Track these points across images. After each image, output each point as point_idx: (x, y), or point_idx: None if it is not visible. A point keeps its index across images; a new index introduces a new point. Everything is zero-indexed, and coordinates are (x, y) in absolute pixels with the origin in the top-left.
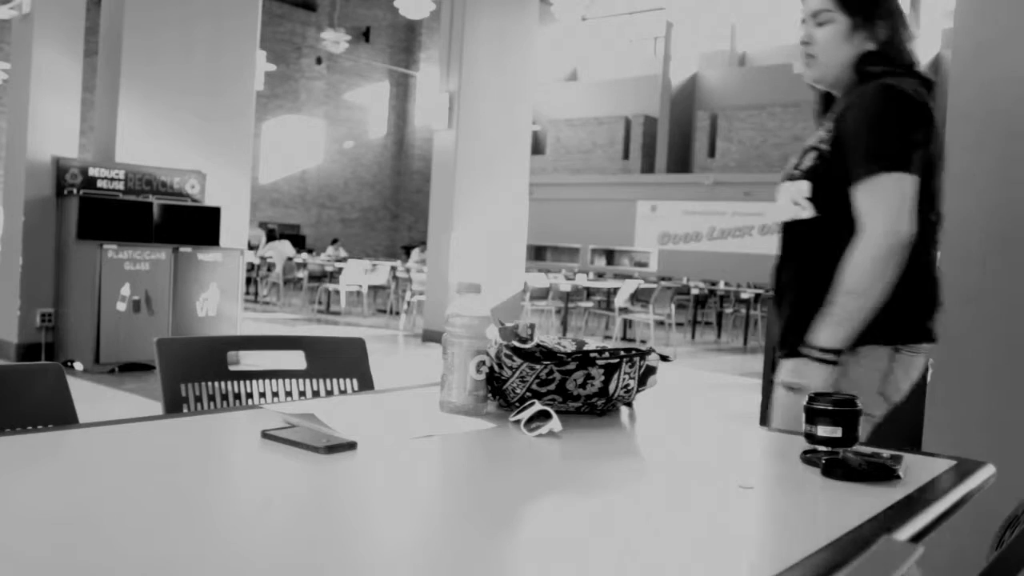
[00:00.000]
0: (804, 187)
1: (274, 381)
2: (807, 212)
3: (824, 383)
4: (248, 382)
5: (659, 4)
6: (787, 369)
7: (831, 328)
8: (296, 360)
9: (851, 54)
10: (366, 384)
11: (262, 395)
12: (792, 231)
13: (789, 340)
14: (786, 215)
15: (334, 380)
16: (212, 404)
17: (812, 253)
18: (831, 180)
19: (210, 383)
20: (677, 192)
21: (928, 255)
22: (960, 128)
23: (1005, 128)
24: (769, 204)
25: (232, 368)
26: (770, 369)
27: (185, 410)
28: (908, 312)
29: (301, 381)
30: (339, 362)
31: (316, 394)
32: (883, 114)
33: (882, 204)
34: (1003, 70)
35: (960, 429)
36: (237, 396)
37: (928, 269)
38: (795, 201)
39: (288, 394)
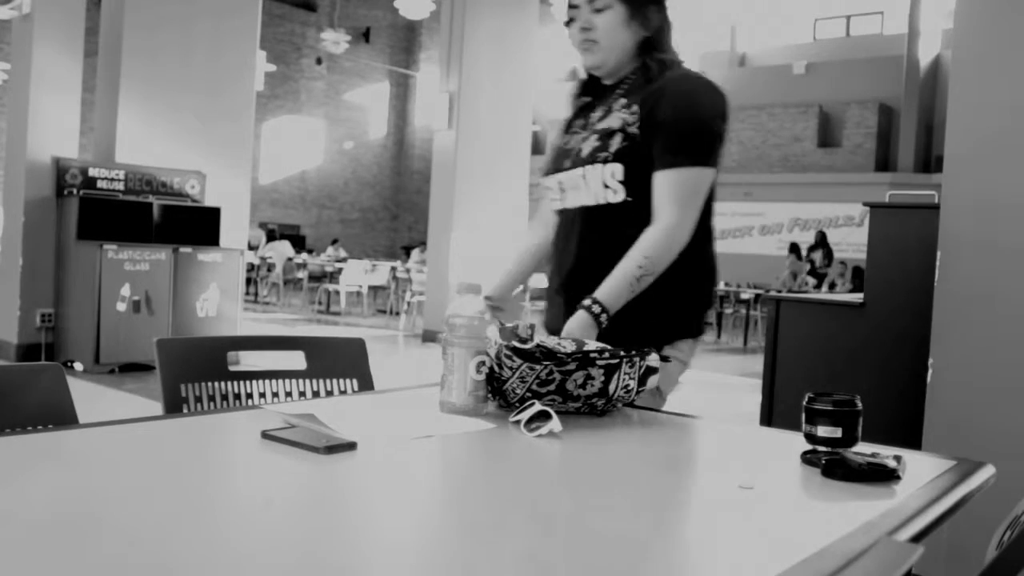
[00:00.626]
0: (618, 170)
1: (274, 381)
2: (619, 195)
3: (585, 335)
4: (248, 382)
5: None
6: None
7: (609, 288)
8: (296, 360)
9: (630, 40)
10: (366, 384)
11: (262, 395)
12: (597, 214)
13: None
14: (592, 199)
15: (334, 380)
16: (212, 404)
17: (620, 236)
18: (640, 163)
19: (210, 383)
20: None
21: (711, 247)
22: (960, 128)
23: (1005, 128)
24: (769, 204)
25: (232, 368)
26: (770, 370)
27: (185, 410)
28: (693, 306)
29: (301, 381)
30: (339, 362)
31: (316, 394)
32: (698, 105)
33: (684, 196)
34: (1003, 70)
35: (960, 429)
36: (237, 396)
37: (710, 263)
38: (607, 184)
39: (288, 394)
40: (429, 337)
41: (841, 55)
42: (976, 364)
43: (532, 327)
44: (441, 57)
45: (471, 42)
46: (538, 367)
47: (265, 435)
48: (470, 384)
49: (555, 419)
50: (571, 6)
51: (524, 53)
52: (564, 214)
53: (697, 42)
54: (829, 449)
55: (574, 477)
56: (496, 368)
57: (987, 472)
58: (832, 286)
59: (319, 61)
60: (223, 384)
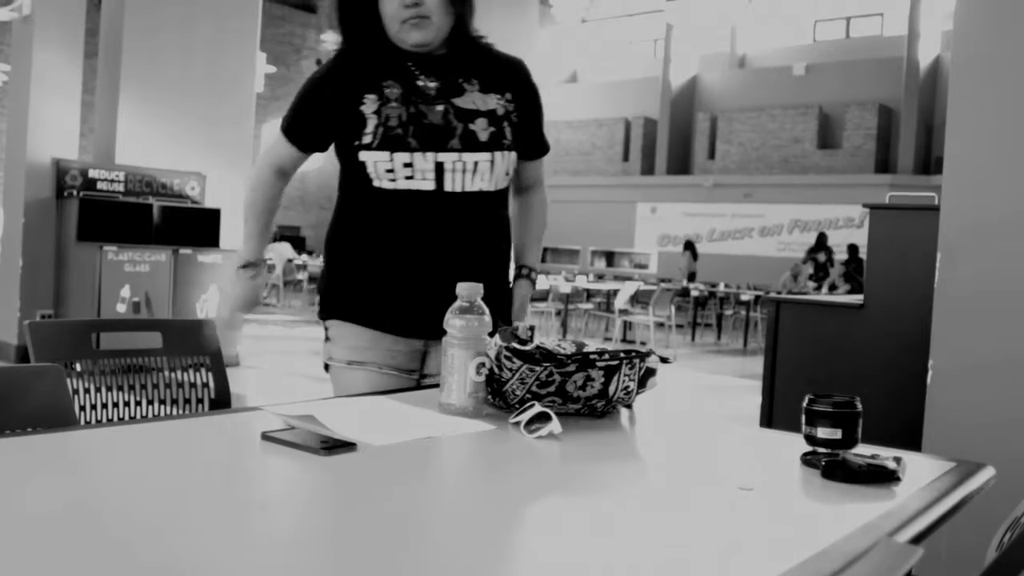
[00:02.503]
0: (514, 157)
1: (134, 359)
2: (504, 182)
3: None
4: (113, 360)
5: (659, 6)
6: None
7: (535, 255)
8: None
9: (452, 18)
10: (217, 361)
11: (127, 370)
12: (491, 199)
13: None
14: (493, 185)
15: (188, 358)
16: (82, 379)
17: (503, 218)
18: (516, 148)
19: (80, 361)
20: (677, 194)
21: None
22: (960, 130)
23: (1005, 130)
24: (769, 206)
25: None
26: (770, 372)
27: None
28: None
29: (159, 359)
30: (190, 342)
31: (172, 371)
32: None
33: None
34: (1003, 71)
35: (960, 431)
36: (103, 372)
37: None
38: (507, 171)
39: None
40: None
41: (841, 56)
42: (976, 366)
43: (532, 328)
44: None
45: None
46: (538, 368)
47: (265, 436)
48: (470, 385)
49: (555, 421)
50: None
51: (524, 54)
52: (436, 197)
53: (697, 43)
54: (829, 450)
55: (574, 478)
56: (496, 370)
57: (987, 474)
58: (832, 288)
59: (319, 63)
60: (89, 362)
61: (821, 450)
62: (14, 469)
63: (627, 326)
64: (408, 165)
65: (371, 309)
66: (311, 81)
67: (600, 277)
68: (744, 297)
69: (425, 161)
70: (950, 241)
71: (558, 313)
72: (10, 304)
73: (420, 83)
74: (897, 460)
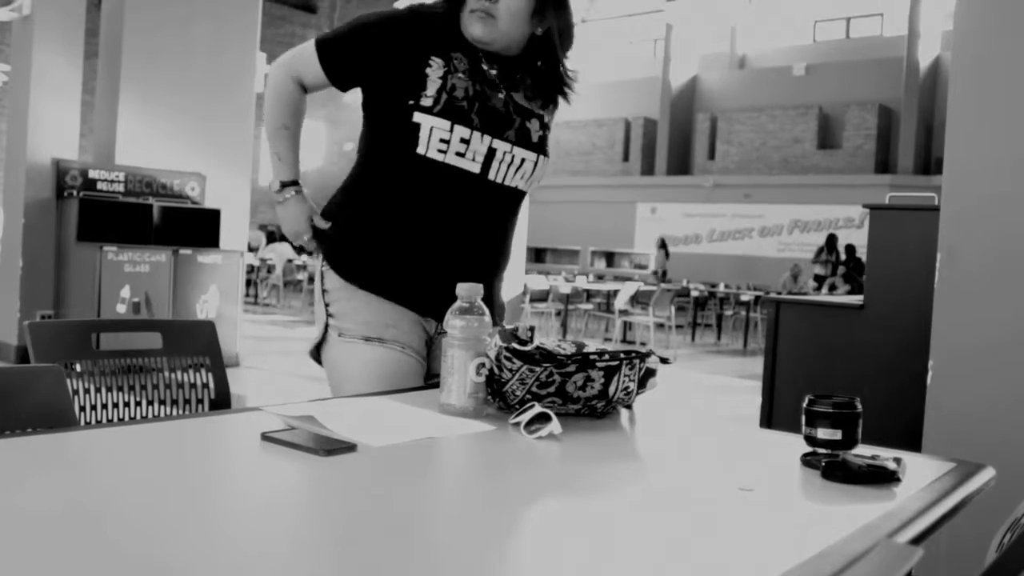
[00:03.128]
0: (546, 166)
1: (134, 360)
2: (533, 183)
3: None
4: (113, 360)
5: (659, 6)
6: None
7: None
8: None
9: (526, 31)
10: (217, 362)
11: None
12: (519, 199)
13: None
14: (526, 185)
15: (188, 358)
16: (82, 380)
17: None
18: None
19: (80, 361)
20: (677, 194)
21: None
22: (960, 130)
23: (1005, 128)
24: (769, 206)
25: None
26: (770, 372)
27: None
28: None
29: (159, 359)
30: (191, 343)
31: (172, 372)
32: None
33: None
34: (1003, 72)
35: (960, 431)
36: (103, 372)
37: None
38: (540, 179)
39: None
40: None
41: (841, 57)
42: (976, 366)
43: (532, 329)
44: None
45: None
46: (538, 369)
47: (265, 437)
48: (470, 386)
49: (555, 421)
50: None
51: None
52: (478, 181)
53: (697, 43)
54: (829, 451)
55: (574, 479)
56: (496, 370)
57: (987, 474)
58: (832, 288)
59: None
60: (89, 362)
61: (821, 451)
62: (14, 469)
63: (627, 326)
64: (464, 141)
65: (395, 281)
66: (378, 16)
67: (600, 277)
68: (744, 297)
69: (481, 143)
70: (950, 241)
71: (558, 313)
72: (10, 304)
73: (484, 66)
74: (897, 461)
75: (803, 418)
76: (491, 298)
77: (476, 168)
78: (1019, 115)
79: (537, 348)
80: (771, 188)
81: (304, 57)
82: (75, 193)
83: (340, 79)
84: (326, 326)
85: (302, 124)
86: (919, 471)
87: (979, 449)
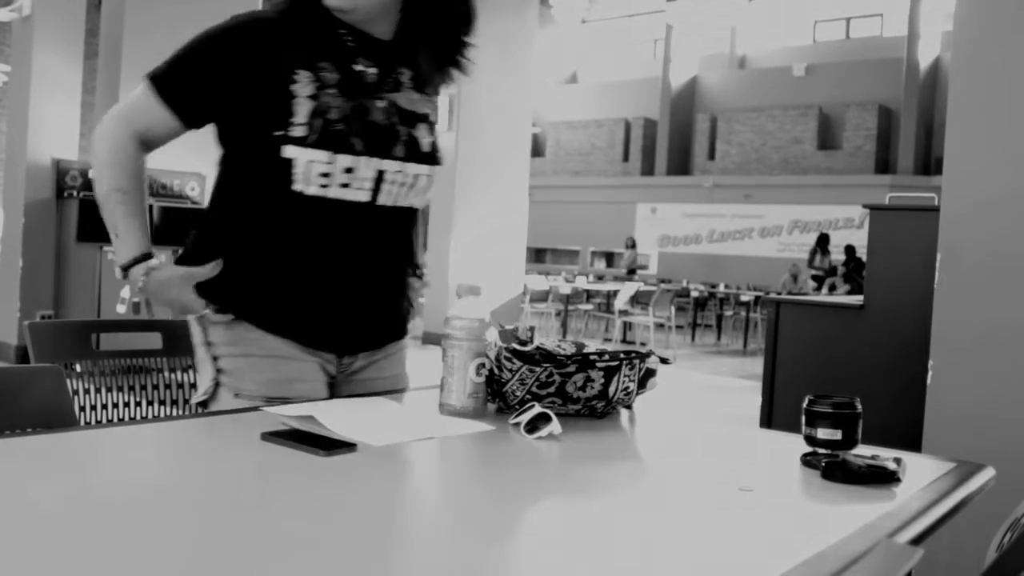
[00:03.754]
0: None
1: (134, 360)
2: (425, 198)
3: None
4: (113, 361)
5: (659, 6)
6: None
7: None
8: None
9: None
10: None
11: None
12: (413, 217)
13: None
14: (421, 202)
15: (188, 358)
16: (82, 380)
17: (414, 237)
18: None
19: (80, 361)
20: (677, 194)
21: None
22: (959, 130)
23: (1004, 129)
24: (769, 206)
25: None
26: (770, 372)
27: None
28: None
29: (159, 359)
30: (191, 344)
31: (172, 372)
32: None
33: None
34: (1003, 72)
35: (960, 431)
36: (103, 372)
37: None
38: (431, 191)
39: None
40: (429, 339)
41: (841, 57)
42: (976, 366)
43: (532, 329)
44: None
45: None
46: (538, 369)
47: (265, 437)
48: (470, 386)
49: (555, 421)
50: None
51: (524, 55)
52: (367, 210)
53: (697, 43)
54: (829, 451)
55: (574, 479)
56: (496, 370)
57: (987, 474)
58: (832, 288)
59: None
60: (89, 362)
61: (821, 451)
62: (14, 470)
63: (627, 327)
64: (349, 171)
65: (293, 318)
66: (223, 29)
67: (600, 278)
68: (744, 298)
69: (368, 168)
70: (950, 242)
71: (558, 314)
72: (10, 304)
73: (358, 67)
74: (897, 461)
75: (803, 418)
76: (401, 310)
77: (365, 196)
78: (1019, 115)
79: (537, 348)
80: (771, 188)
81: (142, 102)
82: (75, 193)
83: (192, 115)
84: (216, 383)
85: (146, 186)
86: (919, 471)
87: (979, 449)
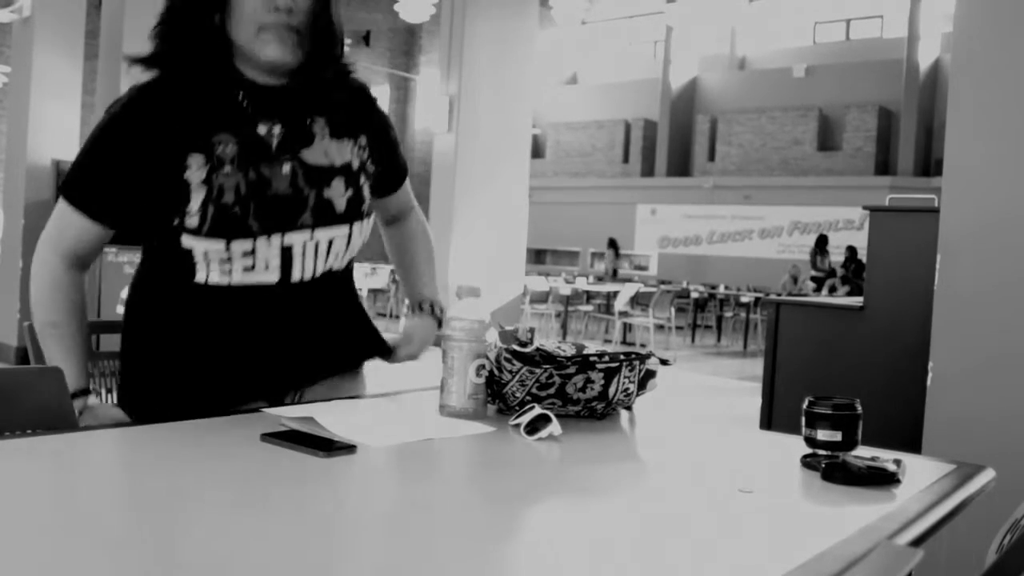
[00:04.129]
0: (371, 222)
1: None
2: (349, 256)
3: (428, 336)
4: (109, 362)
5: (659, 8)
6: None
7: (432, 286)
8: None
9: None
10: None
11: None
12: (340, 278)
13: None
14: (342, 262)
15: None
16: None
17: (352, 292)
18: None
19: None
20: (677, 196)
21: None
22: (959, 132)
23: (1005, 131)
24: (769, 208)
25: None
26: (770, 374)
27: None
28: None
29: None
30: None
31: None
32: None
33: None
34: (1003, 73)
35: (960, 433)
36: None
37: None
38: (364, 240)
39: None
40: None
41: (841, 58)
42: (976, 368)
43: (532, 331)
44: (441, 60)
45: (471, 45)
46: (538, 371)
47: (264, 438)
48: (470, 387)
49: (555, 423)
50: None
51: (524, 56)
52: (279, 290)
53: (697, 45)
54: (829, 453)
55: (574, 480)
56: (496, 371)
57: (987, 476)
58: (832, 290)
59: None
60: (89, 363)
61: (821, 452)
62: (14, 471)
63: (627, 328)
64: (249, 254)
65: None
66: (116, 119)
67: (600, 279)
68: (744, 299)
69: (270, 247)
70: (950, 243)
71: (558, 315)
72: (10, 306)
73: (261, 130)
74: (897, 462)
75: (803, 420)
76: (350, 385)
77: (274, 277)
78: (1018, 117)
79: (537, 350)
80: (771, 189)
81: (63, 218)
82: None
83: (110, 216)
84: None
85: (83, 317)
86: (919, 473)
87: (979, 450)
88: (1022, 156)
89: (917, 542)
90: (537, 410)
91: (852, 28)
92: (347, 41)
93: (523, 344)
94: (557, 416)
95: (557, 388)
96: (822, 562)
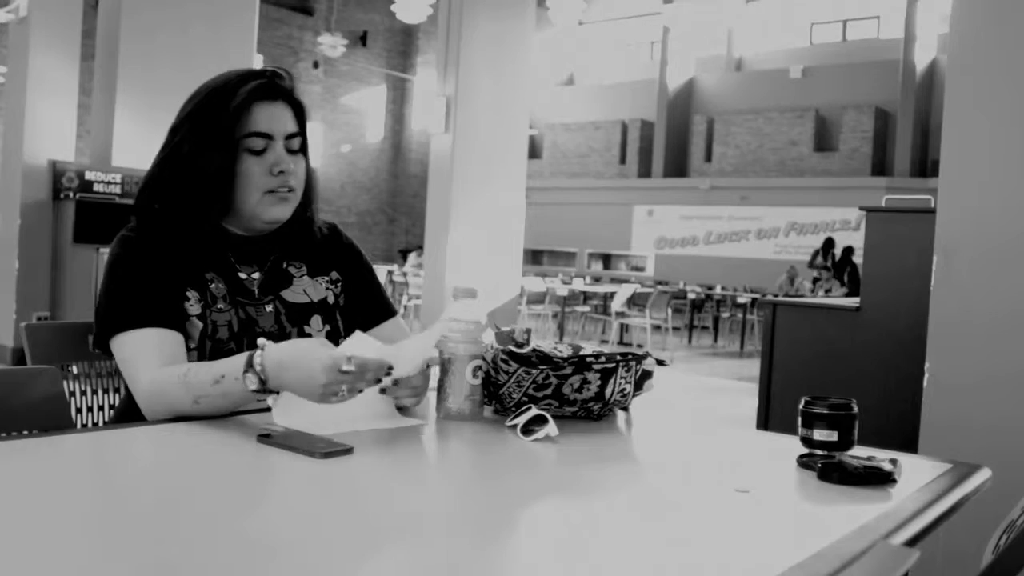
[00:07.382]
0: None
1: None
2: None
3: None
4: (108, 362)
5: (656, 9)
6: None
7: None
8: None
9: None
10: None
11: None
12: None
13: None
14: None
15: None
16: (78, 381)
17: None
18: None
19: (76, 363)
20: (674, 196)
21: None
22: (956, 132)
23: (1001, 131)
24: (766, 208)
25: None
26: (767, 374)
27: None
28: None
29: None
30: None
31: None
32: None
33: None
34: (999, 74)
35: (956, 432)
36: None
37: None
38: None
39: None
40: None
41: (838, 59)
42: (972, 368)
43: (528, 331)
44: (438, 61)
45: (468, 46)
46: (534, 371)
47: (261, 439)
48: (467, 389)
49: (551, 423)
50: (260, 134)
51: (521, 57)
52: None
53: (694, 46)
54: (825, 453)
55: (570, 481)
56: (492, 373)
57: (983, 475)
58: (828, 291)
59: (316, 65)
60: (86, 364)
61: (817, 452)
62: (10, 472)
63: (624, 329)
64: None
65: None
66: (123, 255)
67: (597, 279)
68: (741, 300)
69: None
70: (946, 244)
71: (555, 316)
72: (6, 306)
73: (242, 275)
74: (893, 462)
75: (799, 420)
76: None
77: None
78: (1015, 117)
79: (534, 350)
80: (768, 190)
81: (126, 350)
82: (71, 195)
83: (173, 315)
84: None
85: (188, 366)
86: (915, 472)
87: (975, 451)
88: (1018, 157)
89: (913, 541)
90: (534, 411)
91: (849, 29)
92: (344, 42)
93: (520, 345)
94: (554, 417)
95: (554, 389)
96: (818, 562)
